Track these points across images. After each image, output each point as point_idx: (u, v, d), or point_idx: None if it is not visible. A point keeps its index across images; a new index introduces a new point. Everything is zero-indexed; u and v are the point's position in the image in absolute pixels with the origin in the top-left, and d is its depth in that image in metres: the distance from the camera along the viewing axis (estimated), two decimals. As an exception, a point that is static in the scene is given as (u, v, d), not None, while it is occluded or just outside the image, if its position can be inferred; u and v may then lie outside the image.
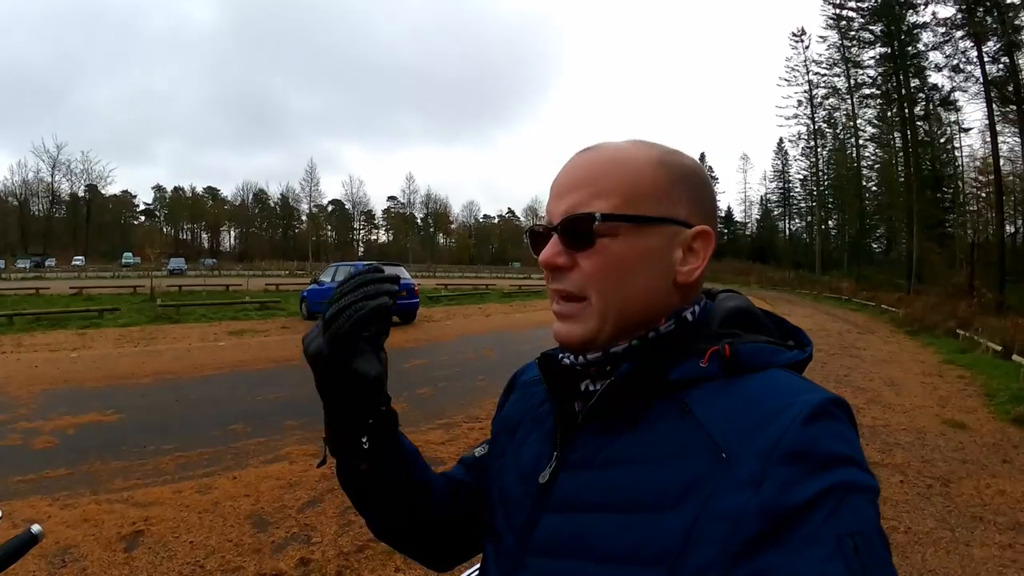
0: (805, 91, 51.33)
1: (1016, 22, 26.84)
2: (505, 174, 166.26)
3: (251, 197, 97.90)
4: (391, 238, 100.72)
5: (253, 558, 3.15)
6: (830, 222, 57.90)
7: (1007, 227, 32.77)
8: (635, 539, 0.53)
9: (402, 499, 0.77)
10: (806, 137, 54.17)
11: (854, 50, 42.29)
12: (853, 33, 41.33)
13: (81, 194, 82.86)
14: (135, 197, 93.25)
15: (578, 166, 0.65)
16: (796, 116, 53.27)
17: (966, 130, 38.05)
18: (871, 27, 39.38)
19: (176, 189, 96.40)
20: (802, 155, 58.39)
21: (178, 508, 3.70)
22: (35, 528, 1.04)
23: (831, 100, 48.92)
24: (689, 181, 0.65)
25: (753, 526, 0.46)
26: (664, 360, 0.61)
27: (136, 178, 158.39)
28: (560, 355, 0.70)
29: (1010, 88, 28.27)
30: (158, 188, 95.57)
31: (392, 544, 0.83)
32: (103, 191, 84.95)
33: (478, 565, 1.26)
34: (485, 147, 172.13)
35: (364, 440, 0.70)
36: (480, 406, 6.62)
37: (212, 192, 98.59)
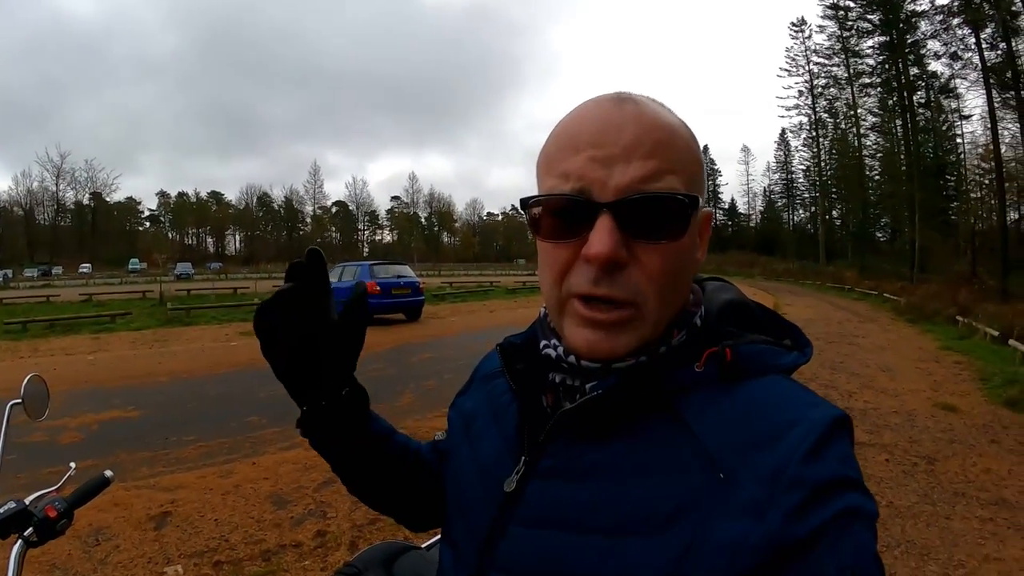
0: (806, 81, 51.48)
1: (1013, 7, 26.74)
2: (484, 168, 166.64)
3: (255, 200, 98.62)
4: (396, 238, 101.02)
5: (274, 532, 3.38)
6: (834, 212, 57.76)
7: (1009, 214, 32.66)
8: (618, 566, 0.47)
9: (374, 472, 0.76)
10: (807, 127, 54.32)
11: (853, 39, 42.25)
12: (851, 23, 41.24)
13: (86, 202, 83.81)
14: (139, 204, 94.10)
15: (635, 124, 0.51)
16: (797, 106, 53.46)
17: (966, 117, 37.97)
18: (869, 16, 39.33)
19: (180, 195, 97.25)
20: (804, 146, 58.43)
21: (202, 491, 3.93)
22: (108, 473, 1.17)
23: (831, 90, 49.03)
24: (702, 158, 0.56)
25: (754, 559, 0.43)
26: (659, 369, 0.54)
27: (131, 187, 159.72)
28: (543, 343, 0.60)
29: (1009, 74, 28.20)
30: (162, 194, 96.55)
31: (367, 504, 0.82)
32: (107, 199, 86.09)
33: None
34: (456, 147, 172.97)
35: (324, 403, 0.71)
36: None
37: (216, 196, 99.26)
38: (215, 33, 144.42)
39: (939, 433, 5.54)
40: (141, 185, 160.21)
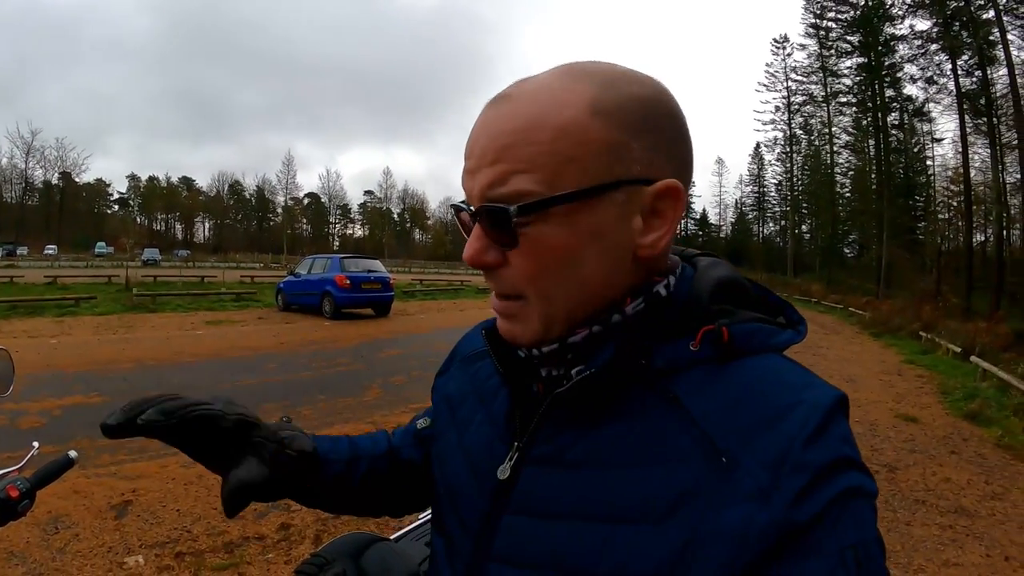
0: (783, 97, 52.28)
1: (990, 36, 27.62)
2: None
3: (226, 188, 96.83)
4: (367, 232, 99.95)
5: (237, 524, 3.32)
6: (803, 226, 58.97)
7: (976, 235, 33.75)
8: (618, 556, 0.46)
9: (346, 500, 0.76)
10: (782, 142, 55.13)
11: (832, 59, 43.19)
12: (832, 42, 42.19)
13: (55, 182, 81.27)
14: (109, 186, 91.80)
15: (489, 127, 0.51)
16: (773, 121, 54.68)
17: (938, 140, 39.03)
18: (849, 37, 40.29)
19: (151, 178, 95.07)
20: (778, 160, 59.29)
21: (164, 480, 3.86)
22: (72, 453, 1.11)
23: (808, 107, 49.94)
24: (646, 122, 0.50)
25: (761, 543, 0.42)
26: (646, 342, 0.52)
27: (100, 169, 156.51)
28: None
29: (982, 101, 29.06)
30: (132, 177, 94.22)
31: (342, 514, 0.83)
32: (77, 179, 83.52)
33: (428, 514, 1.28)
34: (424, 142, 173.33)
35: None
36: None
37: (187, 182, 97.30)
38: (188, 16, 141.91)
39: (900, 443, 5.70)
40: (110, 167, 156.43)
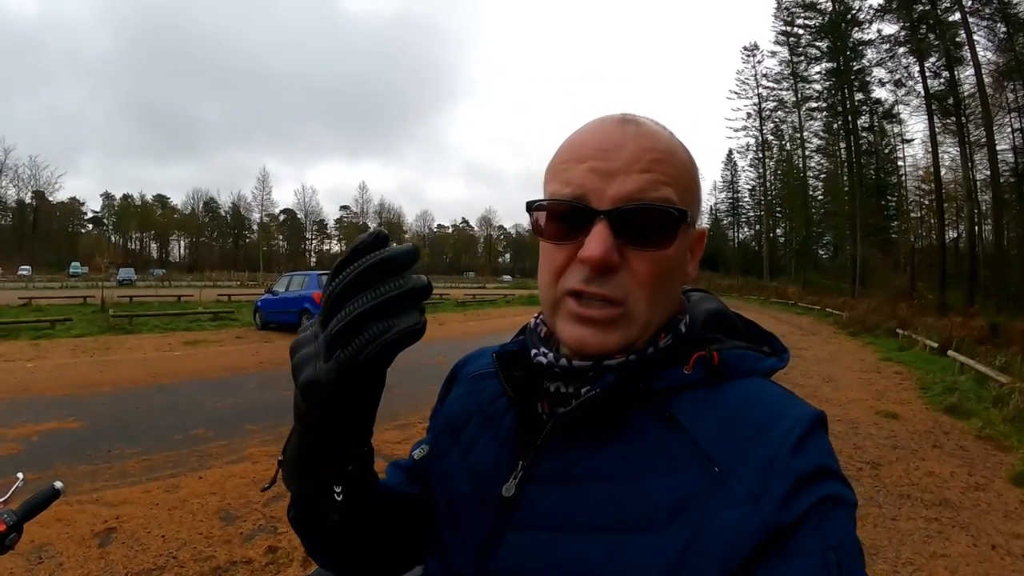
0: (755, 104, 53.02)
1: (957, 39, 28.30)
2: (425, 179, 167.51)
3: (201, 206, 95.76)
4: (344, 248, 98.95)
5: (224, 548, 3.26)
6: (778, 230, 59.77)
7: (948, 232, 34.49)
8: (621, 563, 0.48)
9: (368, 542, 0.66)
10: (754, 148, 55.95)
11: (802, 65, 43.94)
12: (801, 49, 42.95)
13: (28, 200, 79.50)
14: (83, 204, 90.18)
15: (634, 142, 0.55)
16: (745, 128, 55.03)
17: (908, 141, 39.92)
18: (818, 43, 41.05)
19: (125, 197, 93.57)
20: (750, 166, 60.22)
21: (148, 506, 3.77)
22: (58, 484, 1.11)
23: (779, 113, 50.70)
24: (697, 179, 0.61)
25: (751, 543, 0.45)
26: (649, 369, 0.56)
27: (72, 188, 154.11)
28: (534, 352, 0.62)
29: (950, 101, 29.77)
30: (107, 195, 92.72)
31: (329, 568, 0.72)
32: (51, 198, 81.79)
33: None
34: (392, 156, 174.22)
35: (338, 490, 0.56)
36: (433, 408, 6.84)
37: (162, 200, 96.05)
38: (149, 33, 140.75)
39: (882, 440, 5.77)
40: (79, 186, 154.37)
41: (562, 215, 0.56)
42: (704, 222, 0.66)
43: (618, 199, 0.53)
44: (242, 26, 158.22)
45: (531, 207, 0.60)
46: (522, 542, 0.54)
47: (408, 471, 0.75)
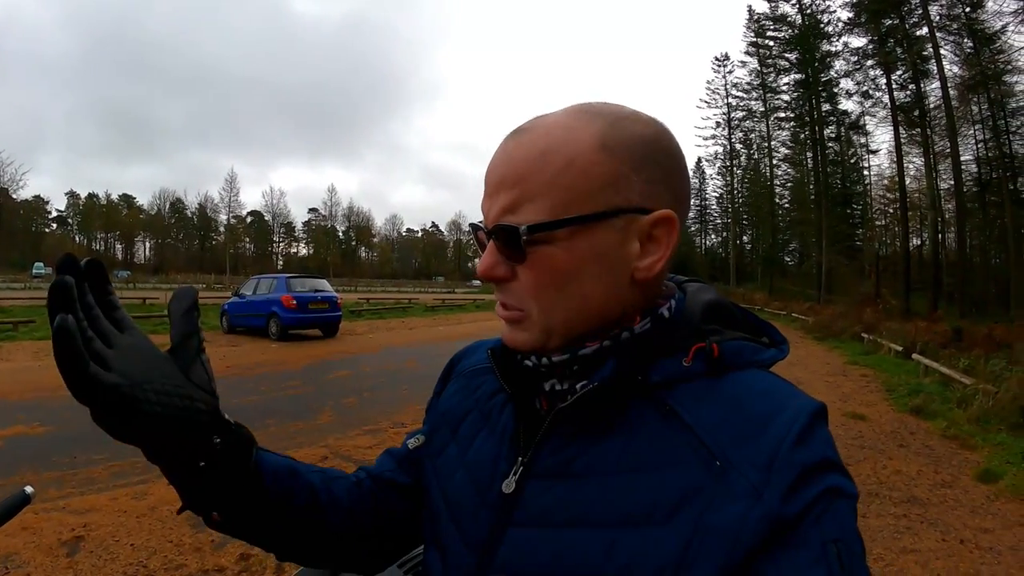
0: (724, 113, 53.44)
1: (924, 52, 29.11)
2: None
3: (167, 206, 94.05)
4: (312, 251, 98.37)
5: (195, 556, 3.18)
6: (744, 237, 60.59)
7: (912, 240, 35.47)
8: (624, 557, 0.49)
9: (287, 530, 0.65)
10: (723, 157, 56.25)
11: (771, 76, 44.77)
12: (771, 60, 43.77)
13: (-8, 197, 76.80)
14: (47, 203, 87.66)
15: (506, 157, 0.56)
16: (714, 136, 55.28)
17: (874, 152, 40.84)
18: (787, 55, 41.90)
19: (91, 196, 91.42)
20: (718, 174, 60.67)
21: (116, 514, 3.66)
22: (28, 489, 1.06)
23: (747, 122, 51.30)
24: (646, 158, 0.55)
25: (755, 537, 0.45)
26: (643, 359, 0.56)
27: (35, 187, 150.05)
28: (519, 355, 0.63)
29: (916, 113, 30.56)
30: (72, 194, 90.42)
31: (303, 564, 0.72)
32: (14, 195, 78.88)
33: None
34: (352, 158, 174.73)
35: (199, 489, 0.57)
36: (405, 412, 6.79)
37: (127, 200, 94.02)
38: (109, 32, 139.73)
39: (850, 440, 5.91)
40: (46, 186, 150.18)
41: (478, 238, 0.60)
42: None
43: (492, 220, 0.56)
44: (198, 29, 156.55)
45: (470, 231, 0.64)
46: (523, 539, 0.55)
47: (399, 459, 0.76)
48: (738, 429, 0.50)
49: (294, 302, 13.90)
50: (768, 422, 0.50)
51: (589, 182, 0.53)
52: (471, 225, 0.63)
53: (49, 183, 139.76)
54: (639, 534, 0.49)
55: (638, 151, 0.55)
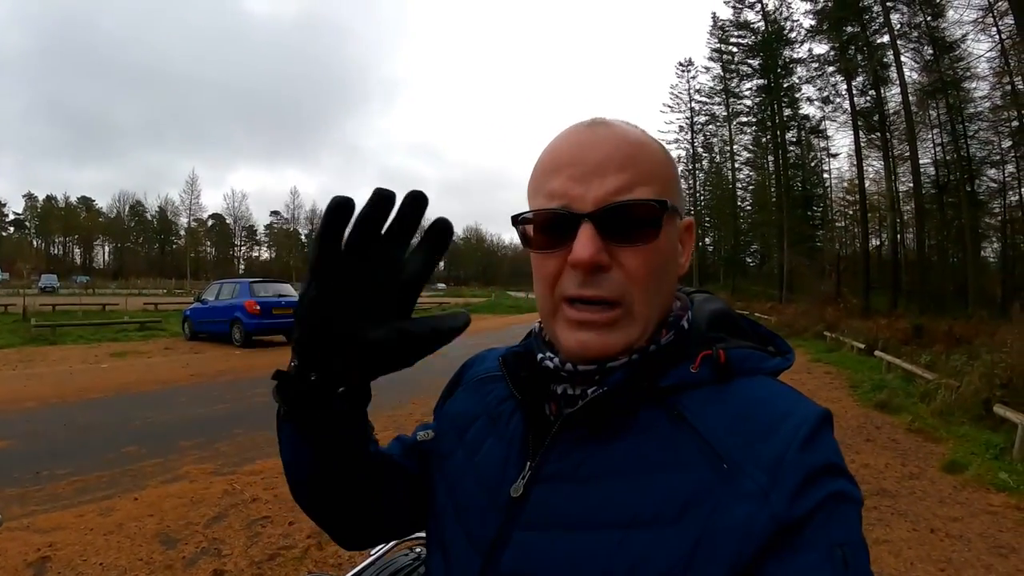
0: (687, 117, 53.79)
1: (884, 59, 29.97)
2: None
3: (127, 209, 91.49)
4: (274, 255, 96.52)
5: (166, 574, 3.09)
6: (707, 239, 61.44)
7: (872, 240, 36.49)
8: (632, 558, 0.49)
9: (347, 473, 0.65)
10: (685, 160, 56.42)
11: (734, 81, 45.59)
12: (734, 66, 44.58)
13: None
14: (4, 206, 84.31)
15: (606, 143, 0.56)
16: (677, 140, 55.39)
17: (834, 155, 41.72)
18: (750, 61, 42.73)
19: (49, 198, 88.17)
20: (681, 177, 61.52)
21: (82, 532, 3.52)
22: None
23: (710, 126, 51.98)
24: (678, 173, 0.63)
25: (762, 537, 0.46)
26: (654, 366, 0.57)
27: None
28: (540, 356, 0.62)
29: (875, 118, 31.40)
30: (29, 196, 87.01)
31: (308, 512, 0.70)
32: (-31, 198, 75.87)
33: (382, 549, 1.24)
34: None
35: (340, 390, 0.59)
36: (373, 418, 6.68)
37: (86, 202, 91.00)
38: (62, 35, 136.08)
39: (819, 437, 6.03)
40: (0, 188, 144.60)
41: (548, 225, 0.57)
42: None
43: (599, 200, 0.54)
44: (150, 28, 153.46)
45: (516, 221, 0.61)
46: (529, 542, 0.55)
47: (406, 447, 0.76)
48: (746, 433, 0.51)
49: (257, 307, 13.60)
50: (775, 426, 0.51)
51: (674, 179, 0.60)
52: (515, 217, 0.60)
53: (5, 185, 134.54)
54: (648, 534, 0.49)
55: (675, 165, 0.61)
